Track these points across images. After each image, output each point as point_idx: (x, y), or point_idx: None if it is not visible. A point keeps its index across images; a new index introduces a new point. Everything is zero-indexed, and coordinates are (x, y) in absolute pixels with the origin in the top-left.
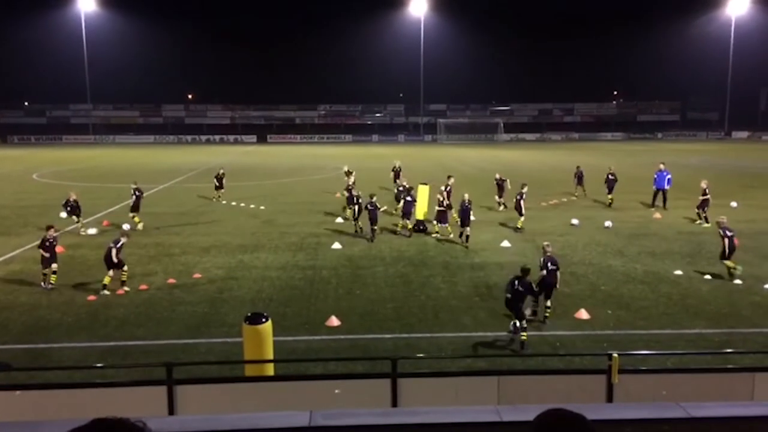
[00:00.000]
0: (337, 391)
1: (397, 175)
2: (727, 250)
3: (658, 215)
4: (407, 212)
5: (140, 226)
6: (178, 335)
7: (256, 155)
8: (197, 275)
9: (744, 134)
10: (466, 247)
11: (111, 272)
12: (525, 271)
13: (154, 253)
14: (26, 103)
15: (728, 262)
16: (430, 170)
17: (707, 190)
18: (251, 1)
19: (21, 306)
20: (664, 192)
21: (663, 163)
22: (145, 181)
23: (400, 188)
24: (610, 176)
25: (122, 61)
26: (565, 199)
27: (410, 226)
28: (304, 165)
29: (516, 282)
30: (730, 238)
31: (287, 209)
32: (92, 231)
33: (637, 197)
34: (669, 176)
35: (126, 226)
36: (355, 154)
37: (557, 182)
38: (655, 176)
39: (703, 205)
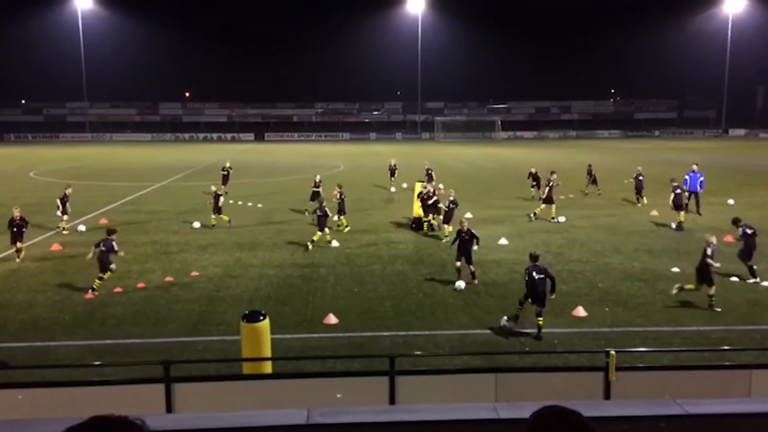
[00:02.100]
0: (339, 395)
1: (392, 173)
2: (445, 218)
3: (655, 212)
4: (448, 219)
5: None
6: (175, 333)
7: (253, 153)
8: (195, 273)
9: (741, 132)
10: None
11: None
12: (534, 257)
13: (151, 252)
14: (23, 101)
15: (448, 227)
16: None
17: (641, 176)
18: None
19: (18, 304)
20: (697, 195)
21: (696, 164)
22: (143, 179)
23: (449, 200)
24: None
25: (119, 59)
26: (562, 197)
27: (449, 230)
28: (301, 163)
29: (533, 272)
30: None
31: (285, 207)
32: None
33: (635, 194)
34: (702, 178)
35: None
36: (352, 151)
37: None
38: (687, 177)
39: (639, 187)
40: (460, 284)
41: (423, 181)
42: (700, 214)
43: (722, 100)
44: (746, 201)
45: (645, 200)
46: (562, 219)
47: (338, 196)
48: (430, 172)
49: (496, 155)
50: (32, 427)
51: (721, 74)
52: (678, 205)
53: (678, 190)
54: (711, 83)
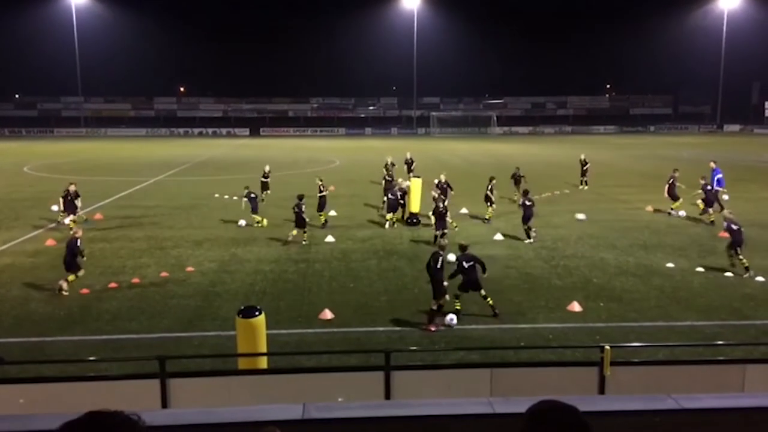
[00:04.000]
0: (340, 399)
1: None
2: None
3: (649, 208)
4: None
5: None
6: (170, 329)
7: (249, 148)
8: (190, 269)
9: (736, 127)
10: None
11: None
12: (463, 247)
13: (146, 247)
14: (17, 96)
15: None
16: (423, 163)
17: (586, 161)
18: None
19: (13, 299)
20: (717, 193)
21: (714, 161)
22: (138, 174)
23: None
24: (518, 175)
25: (113, 53)
26: (557, 192)
27: (395, 219)
28: (297, 158)
29: (463, 261)
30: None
31: (280, 203)
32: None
33: (630, 190)
34: (719, 176)
35: None
36: (348, 146)
37: (550, 176)
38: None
39: (584, 174)
40: (452, 318)
41: (415, 176)
42: (721, 212)
43: (717, 96)
44: (741, 196)
45: (586, 186)
46: (682, 213)
47: (249, 195)
48: (410, 163)
49: (491, 150)
50: (28, 423)
51: (716, 70)
52: (709, 202)
53: (708, 187)
54: (706, 79)
